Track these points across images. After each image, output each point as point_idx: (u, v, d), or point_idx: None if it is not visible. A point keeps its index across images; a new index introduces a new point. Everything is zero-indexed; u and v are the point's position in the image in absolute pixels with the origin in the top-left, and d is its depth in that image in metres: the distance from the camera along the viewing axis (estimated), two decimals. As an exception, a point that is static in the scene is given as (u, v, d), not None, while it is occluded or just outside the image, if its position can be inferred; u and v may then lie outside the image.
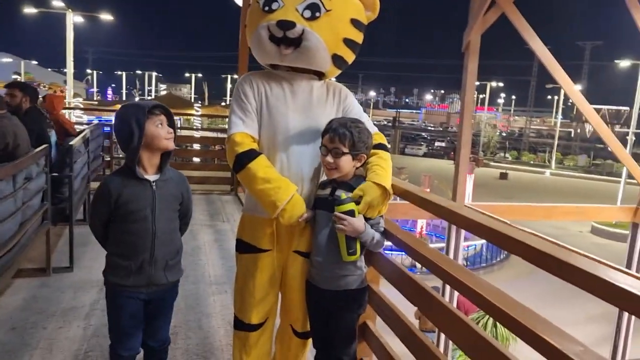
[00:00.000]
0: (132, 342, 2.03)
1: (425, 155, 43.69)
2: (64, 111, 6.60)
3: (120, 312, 2.00)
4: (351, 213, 1.85)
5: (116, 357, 2.03)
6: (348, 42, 1.99)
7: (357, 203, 1.88)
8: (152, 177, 1.97)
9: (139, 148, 1.90)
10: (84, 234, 4.31)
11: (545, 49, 6.52)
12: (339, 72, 2.13)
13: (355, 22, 2.00)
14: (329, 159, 1.91)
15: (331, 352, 2.05)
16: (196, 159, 10.42)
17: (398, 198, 2.17)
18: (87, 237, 4.19)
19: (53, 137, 4.97)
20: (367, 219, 1.93)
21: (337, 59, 2.00)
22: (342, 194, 1.90)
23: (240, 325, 2.16)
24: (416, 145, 47.07)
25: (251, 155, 1.96)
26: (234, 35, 8.16)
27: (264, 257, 2.08)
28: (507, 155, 44.98)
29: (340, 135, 1.88)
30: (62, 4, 21.17)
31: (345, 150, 1.88)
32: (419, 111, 68.65)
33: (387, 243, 2.12)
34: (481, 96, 55.21)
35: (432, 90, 66.49)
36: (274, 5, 1.91)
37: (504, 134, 53.03)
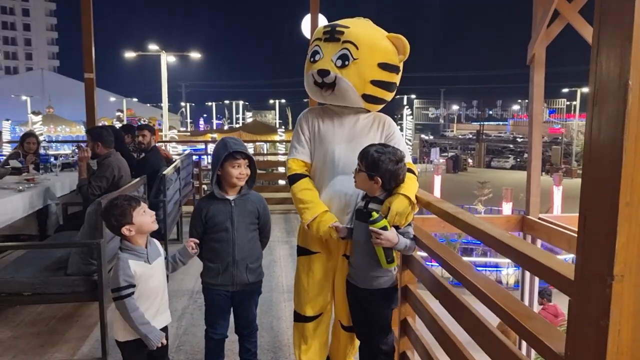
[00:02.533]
0: (221, 328, 2.53)
1: (512, 167, 41.72)
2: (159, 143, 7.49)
3: (211, 305, 2.52)
4: (385, 228, 2.15)
5: (209, 339, 2.54)
6: (376, 83, 2.36)
7: (387, 216, 2.20)
8: (231, 197, 2.47)
9: (215, 176, 2.43)
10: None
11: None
12: (378, 107, 2.51)
13: (383, 66, 2.35)
14: (353, 172, 2.29)
15: (371, 342, 2.38)
16: (282, 182, 10.84)
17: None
18: (179, 253, 4.84)
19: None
20: (397, 227, 2.26)
21: (367, 98, 2.38)
22: (374, 214, 2.15)
23: (298, 317, 2.59)
24: (503, 158, 45.25)
25: (295, 178, 2.44)
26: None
27: (315, 258, 2.51)
28: (605, 164, 41.85)
29: (361, 155, 2.24)
30: (157, 47, 23.50)
31: (362, 168, 2.22)
32: (505, 122, 65.86)
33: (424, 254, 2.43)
34: (574, 103, 52.16)
35: (519, 100, 63.78)
36: (317, 57, 2.37)
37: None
